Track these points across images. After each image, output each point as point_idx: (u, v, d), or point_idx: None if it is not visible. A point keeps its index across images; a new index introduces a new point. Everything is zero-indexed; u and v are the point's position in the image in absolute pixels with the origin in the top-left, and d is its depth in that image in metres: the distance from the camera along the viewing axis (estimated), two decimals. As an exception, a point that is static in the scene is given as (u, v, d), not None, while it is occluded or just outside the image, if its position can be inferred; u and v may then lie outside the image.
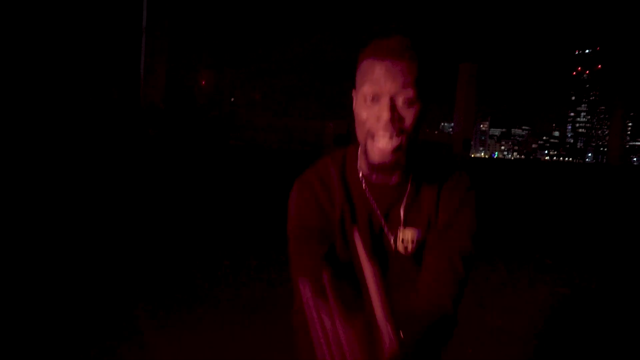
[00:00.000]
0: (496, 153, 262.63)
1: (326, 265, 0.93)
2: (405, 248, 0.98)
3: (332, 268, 0.91)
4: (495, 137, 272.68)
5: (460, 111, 39.08)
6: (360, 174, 1.02)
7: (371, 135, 0.91)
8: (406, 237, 0.98)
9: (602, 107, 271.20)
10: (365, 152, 0.94)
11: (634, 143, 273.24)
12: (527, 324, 3.51)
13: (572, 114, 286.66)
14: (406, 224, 0.99)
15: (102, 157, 16.40)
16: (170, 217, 7.07)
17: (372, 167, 0.95)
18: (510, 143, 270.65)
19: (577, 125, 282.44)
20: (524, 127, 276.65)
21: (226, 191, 11.42)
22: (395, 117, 0.88)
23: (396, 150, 0.90)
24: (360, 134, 0.94)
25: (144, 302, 3.38)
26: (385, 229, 0.99)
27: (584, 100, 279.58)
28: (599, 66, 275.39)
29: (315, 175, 1.03)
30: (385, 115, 0.87)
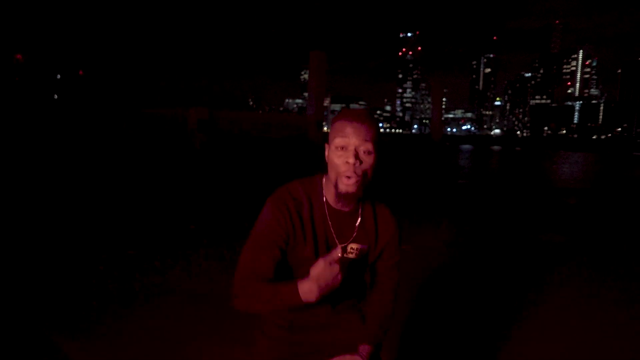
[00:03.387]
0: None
1: (270, 272, 1.29)
2: (351, 254, 1.40)
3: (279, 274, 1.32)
4: (336, 113, 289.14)
5: (313, 95, 40.85)
6: (325, 200, 1.37)
7: (340, 175, 1.27)
8: (354, 247, 1.40)
9: (424, 84, 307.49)
10: (336, 186, 1.29)
11: (447, 115, 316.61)
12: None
13: (400, 90, 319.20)
14: (354, 240, 1.40)
15: None
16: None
17: (340, 196, 1.31)
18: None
19: (405, 100, 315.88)
20: (360, 103, 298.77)
21: (80, 187, 10.53)
22: (357, 162, 1.24)
23: (357, 186, 1.27)
24: (332, 174, 1.30)
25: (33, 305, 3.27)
26: (337, 242, 1.37)
27: (408, 77, 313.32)
28: (420, 48, 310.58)
29: (289, 194, 1.35)
30: (352, 160, 1.24)
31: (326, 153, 1.31)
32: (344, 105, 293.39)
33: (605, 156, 46.66)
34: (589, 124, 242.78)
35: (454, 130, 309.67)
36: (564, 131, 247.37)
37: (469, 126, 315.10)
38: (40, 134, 23.20)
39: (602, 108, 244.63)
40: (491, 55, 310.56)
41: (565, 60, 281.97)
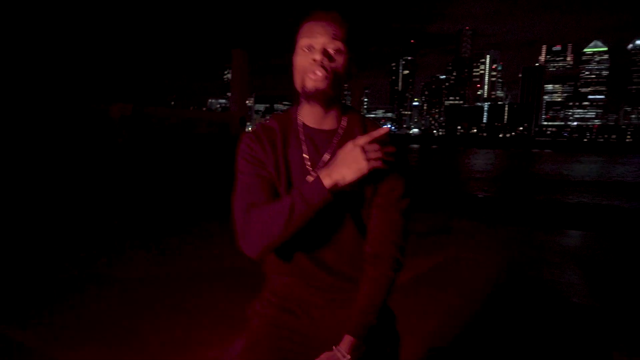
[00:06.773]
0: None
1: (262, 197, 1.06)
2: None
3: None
4: (260, 112, 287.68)
5: (236, 92, 40.85)
6: (300, 122, 1.14)
7: (306, 72, 1.05)
8: None
9: (345, 85, 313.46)
10: (302, 88, 1.07)
11: (369, 115, 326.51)
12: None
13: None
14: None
15: None
16: None
17: (308, 97, 1.07)
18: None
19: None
20: (285, 102, 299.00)
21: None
22: (325, 59, 1.04)
23: (327, 82, 1.04)
24: (297, 78, 1.08)
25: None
26: (309, 169, 1.09)
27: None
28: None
29: (261, 127, 1.17)
30: (318, 56, 1.03)
31: (293, 61, 1.11)
32: (267, 105, 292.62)
33: (509, 153, 51.10)
34: (496, 123, 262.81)
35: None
36: (475, 130, 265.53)
37: (389, 125, 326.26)
38: None
39: (506, 109, 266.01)
40: (409, 58, 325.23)
41: (475, 64, 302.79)
